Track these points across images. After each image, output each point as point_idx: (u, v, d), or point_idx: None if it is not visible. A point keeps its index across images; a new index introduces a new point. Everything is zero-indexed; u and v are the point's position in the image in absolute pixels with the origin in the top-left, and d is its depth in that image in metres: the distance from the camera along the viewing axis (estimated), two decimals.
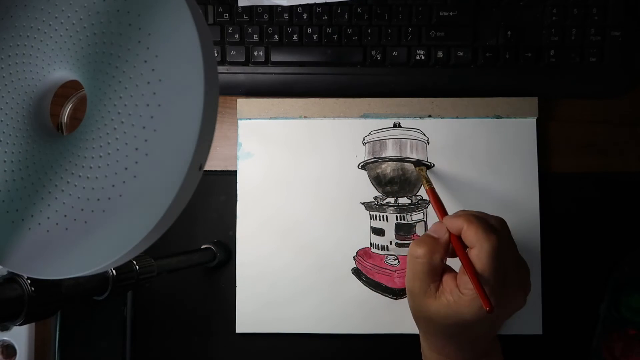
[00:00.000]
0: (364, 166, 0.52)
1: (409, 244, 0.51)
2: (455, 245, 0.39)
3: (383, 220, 0.51)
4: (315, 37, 0.51)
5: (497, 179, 0.51)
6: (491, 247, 0.36)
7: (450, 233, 0.40)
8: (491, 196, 0.51)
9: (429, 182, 0.47)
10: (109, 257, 0.26)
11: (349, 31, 0.51)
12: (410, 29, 0.51)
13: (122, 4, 0.27)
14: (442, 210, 0.43)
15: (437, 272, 0.39)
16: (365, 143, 0.52)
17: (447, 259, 0.41)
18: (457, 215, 0.40)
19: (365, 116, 0.52)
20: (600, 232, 0.52)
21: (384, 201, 0.51)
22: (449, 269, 0.41)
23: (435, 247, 0.39)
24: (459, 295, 0.37)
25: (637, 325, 0.49)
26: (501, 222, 0.40)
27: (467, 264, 0.37)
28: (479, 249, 0.37)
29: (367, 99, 0.52)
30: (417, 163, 0.51)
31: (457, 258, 0.39)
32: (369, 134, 0.52)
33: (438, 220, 0.43)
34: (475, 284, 0.36)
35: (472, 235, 0.37)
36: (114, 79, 0.26)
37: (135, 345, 0.52)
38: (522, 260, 0.41)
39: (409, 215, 0.51)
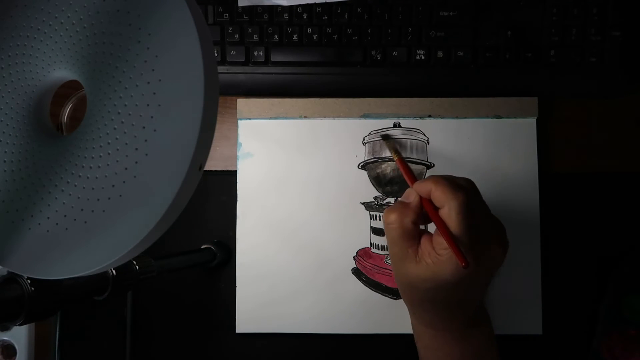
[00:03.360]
0: (364, 166, 0.52)
1: None
2: (426, 207, 0.39)
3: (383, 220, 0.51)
4: (315, 37, 0.51)
5: (497, 179, 0.51)
6: (459, 204, 0.37)
7: (420, 197, 0.40)
8: (491, 196, 0.50)
9: (397, 153, 0.48)
10: (109, 257, 0.26)
11: (349, 31, 0.51)
12: (410, 29, 0.51)
13: (122, 4, 0.27)
14: (412, 177, 0.44)
15: (413, 236, 0.40)
16: (365, 143, 0.52)
17: (427, 226, 0.40)
18: (425, 179, 0.40)
19: (365, 116, 0.52)
20: (600, 232, 0.52)
21: (384, 201, 0.51)
22: (426, 233, 0.41)
23: (405, 210, 0.40)
24: (436, 257, 0.38)
25: (637, 325, 0.49)
26: (469, 181, 0.40)
27: (439, 223, 0.37)
28: (448, 207, 0.37)
29: (367, 99, 0.52)
30: (385, 137, 0.51)
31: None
32: (369, 134, 0.52)
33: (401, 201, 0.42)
34: (448, 241, 0.36)
35: (440, 195, 0.37)
36: (114, 79, 0.26)
37: (135, 345, 0.52)
38: (495, 218, 0.41)
39: None
